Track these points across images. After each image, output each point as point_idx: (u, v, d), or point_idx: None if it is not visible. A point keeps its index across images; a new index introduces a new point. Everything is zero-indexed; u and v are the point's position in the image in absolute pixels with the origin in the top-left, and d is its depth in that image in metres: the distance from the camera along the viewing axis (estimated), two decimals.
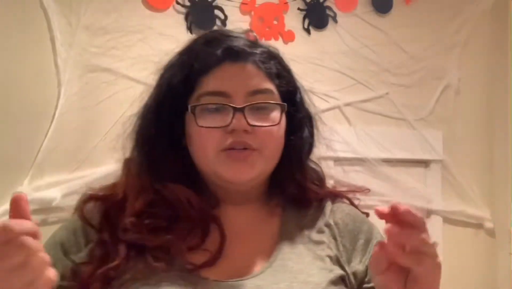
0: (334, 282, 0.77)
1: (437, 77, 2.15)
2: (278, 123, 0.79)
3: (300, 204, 0.87)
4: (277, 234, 0.82)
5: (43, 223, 1.63)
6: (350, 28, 2.05)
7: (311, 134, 0.89)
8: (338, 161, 1.96)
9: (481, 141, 2.21)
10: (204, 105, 0.78)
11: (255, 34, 0.85)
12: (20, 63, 1.66)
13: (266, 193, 0.88)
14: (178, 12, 1.84)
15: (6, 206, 1.60)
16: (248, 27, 1.91)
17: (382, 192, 2.02)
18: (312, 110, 0.90)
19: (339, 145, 1.96)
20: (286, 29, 1.97)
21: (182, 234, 0.76)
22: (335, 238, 0.83)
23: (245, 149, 0.77)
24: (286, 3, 1.97)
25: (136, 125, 0.84)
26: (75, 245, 0.78)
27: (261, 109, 0.78)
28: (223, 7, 1.88)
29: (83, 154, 1.69)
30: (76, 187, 1.66)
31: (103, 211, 0.80)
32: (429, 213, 2.13)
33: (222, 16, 1.87)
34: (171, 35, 1.81)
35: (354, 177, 1.97)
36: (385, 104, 2.08)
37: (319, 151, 0.92)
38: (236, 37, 0.82)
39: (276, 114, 0.80)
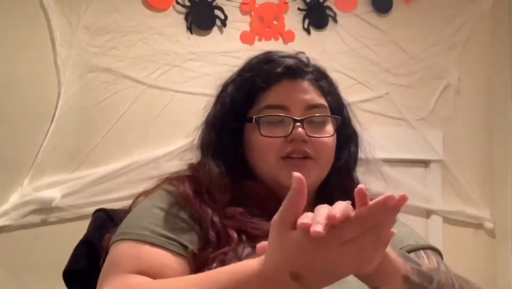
0: None
1: (437, 77, 2.16)
2: (332, 135, 0.89)
3: None
4: None
5: (43, 223, 1.63)
6: (350, 28, 2.05)
7: (357, 150, 1.00)
8: None
9: (481, 142, 2.21)
10: (267, 117, 0.86)
11: (306, 55, 0.94)
12: (20, 63, 1.66)
13: (313, 204, 0.90)
14: (178, 12, 1.84)
15: (6, 206, 1.60)
16: (248, 28, 1.92)
17: (382, 192, 2.02)
18: (358, 128, 1.00)
19: None
20: (286, 29, 1.97)
21: (253, 213, 0.82)
22: None
23: (304, 158, 0.84)
24: (286, 3, 1.97)
25: (206, 134, 0.92)
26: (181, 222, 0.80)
27: (317, 123, 0.87)
28: (223, 7, 1.88)
29: (83, 154, 1.69)
30: (76, 187, 1.66)
31: (195, 192, 0.83)
32: (429, 213, 2.13)
33: (222, 16, 1.87)
34: (171, 35, 1.82)
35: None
36: (385, 104, 2.08)
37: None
38: (292, 57, 0.90)
39: (330, 128, 0.89)
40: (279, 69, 0.87)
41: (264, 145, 0.85)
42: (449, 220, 2.15)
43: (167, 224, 0.77)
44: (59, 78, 1.67)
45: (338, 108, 0.95)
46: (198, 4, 1.85)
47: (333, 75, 2.19)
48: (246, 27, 1.93)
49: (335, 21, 2.03)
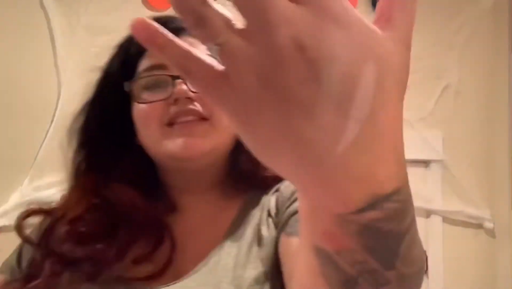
0: (260, 277, 0.66)
1: (437, 77, 2.16)
2: None
3: (260, 189, 0.78)
4: (229, 227, 0.74)
5: None
6: None
7: None
8: None
9: (481, 142, 2.21)
10: (142, 80, 0.71)
11: None
12: (20, 63, 1.66)
13: (226, 181, 0.79)
14: None
15: (6, 206, 1.60)
16: None
17: None
18: None
19: None
20: None
21: (124, 242, 0.68)
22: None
23: (196, 120, 0.68)
24: None
25: (77, 122, 0.77)
26: (17, 265, 0.73)
27: None
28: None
29: None
30: None
31: (45, 226, 0.72)
32: (429, 213, 2.13)
33: None
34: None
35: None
36: None
37: None
38: (171, 16, 0.75)
39: None
40: None
41: (143, 114, 0.71)
42: (449, 220, 2.15)
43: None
44: (59, 78, 1.68)
45: None
46: None
47: None
48: None
49: None
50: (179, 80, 0.68)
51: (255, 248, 0.69)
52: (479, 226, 2.19)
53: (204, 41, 0.29)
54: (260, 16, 0.27)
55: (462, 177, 2.15)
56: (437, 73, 2.15)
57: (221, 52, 0.28)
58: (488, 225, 2.18)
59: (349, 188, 0.29)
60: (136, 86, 0.71)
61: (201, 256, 0.69)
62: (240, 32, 0.28)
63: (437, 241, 2.13)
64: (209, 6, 0.30)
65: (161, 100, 0.69)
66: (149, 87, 0.71)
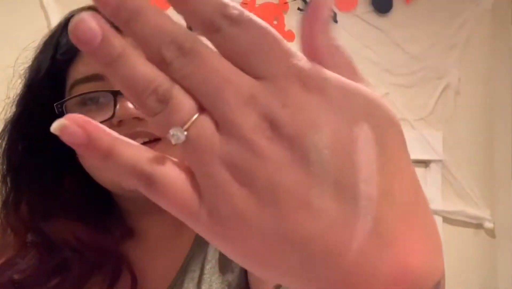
0: None
1: (437, 77, 2.16)
2: None
3: None
4: (190, 247, 0.67)
5: None
6: (350, 28, 2.05)
7: None
8: None
9: (481, 141, 2.21)
10: (71, 99, 0.58)
11: None
12: (20, 64, 1.66)
13: None
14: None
15: None
16: None
17: None
18: None
19: None
20: (286, 29, 1.97)
21: (75, 282, 0.60)
22: None
23: (146, 142, 0.57)
24: (286, 3, 1.97)
25: (0, 148, 0.64)
26: None
27: None
28: None
29: None
30: None
31: None
32: None
33: None
34: None
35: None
36: None
37: None
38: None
39: None
40: None
41: None
42: (449, 220, 2.15)
43: None
44: None
45: None
46: None
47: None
48: None
49: (335, 21, 2.03)
50: (122, 96, 0.56)
51: (220, 270, 0.64)
52: (479, 226, 2.19)
53: (162, 128, 0.22)
54: (214, 97, 0.21)
55: (462, 177, 2.15)
56: (437, 73, 2.15)
57: (186, 143, 0.22)
58: (488, 225, 2.18)
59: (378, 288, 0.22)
60: (69, 105, 0.59)
61: (164, 282, 0.64)
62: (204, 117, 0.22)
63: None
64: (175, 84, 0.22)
65: (102, 122, 0.58)
66: (85, 103, 0.59)
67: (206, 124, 0.22)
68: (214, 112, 0.21)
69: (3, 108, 0.66)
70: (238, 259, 0.23)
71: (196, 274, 0.64)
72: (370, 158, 0.22)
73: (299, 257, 0.22)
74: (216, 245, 0.23)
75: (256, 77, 0.22)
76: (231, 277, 0.63)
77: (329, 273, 0.22)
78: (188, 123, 0.22)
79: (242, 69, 0.22)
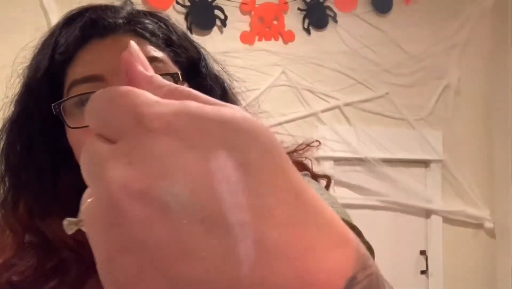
0: None
1: (437, 77, 2.16)
2: None
3: None
4: None
5: None
6: (350, 28, 2.05)
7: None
8: (338, 161, 1.96)
9: (481, 141, 2.21)
10: (69, 100, 0.58)
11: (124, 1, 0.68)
12: (20, 64, 1.66)
13: None
14: (178, 12, 1.84)
15: None
16: (248, 28, 1.92)
17: (382, 192, 2.02)
18: (224, 78, 0.71)
19: (339, 145, 1.96)
20: (286, 29, 1.97)
21: (74, 284, 0.59)
22: None
23: None
24: (286, 3, 1.97)
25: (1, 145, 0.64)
26: None
27: None
28: (223, 7, 1.88)
29: None
30: None
31: None
32: (429, 213, 2.13)
33: (222, 16, 1.87)
34: None
35: (354, 177, 1.97)
36: (385, 104, 2.08)
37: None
38: (94, 8, 0.63)
39: None
40: (77, 30, 0.61)
41: (78, 140, 0.58)
42: (449, 220, 2.15)
43: None
44: None
45: (190, 61, 0.66)
46: (198, 4, 1.85)
47: (333, 75, 2.18)
48: (246, 27, 1.93)
49: (335, 21, 2.03)
50: None
51: None
52: (479, 226, 2.19)
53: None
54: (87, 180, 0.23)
55: (462, 177, 2.15)
56: (437, 73, 2.16)
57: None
58: (488, 225, 2.18)
59: None
60: (66, 105, 0.59)
61: None
62: None
63: (437, 241, 2.13)
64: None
65: None
66: (83, 103, 0.58)
67: (90, 208, 0.22)
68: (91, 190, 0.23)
69: (1, 108, 0.65)
70: None
71: None
72: (233, 185, 0.21)
73: None
74: None
75: (113, 142, 0.22)
76: None
77: None
78: (81, 209, 0.23)
79: (107, 136, 0.22)
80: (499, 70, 2.21)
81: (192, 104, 0.22)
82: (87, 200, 0.23)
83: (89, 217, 0.22)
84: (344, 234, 0.23)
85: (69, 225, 0.24)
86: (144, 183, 0.21)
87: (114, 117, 0.22)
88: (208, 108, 0.22)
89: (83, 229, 0.23)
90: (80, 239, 0.56)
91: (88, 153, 0.23)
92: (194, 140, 0.21)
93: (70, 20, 0.63)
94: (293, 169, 0.23)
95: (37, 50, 0.65)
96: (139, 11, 0.65)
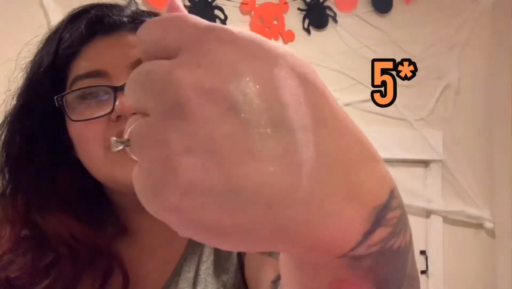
0: None
1: (437, 77, 2.16)
2: None
3: None
4: (186, 247, 0.67)
5: None
6: (350, 28, 2.05)
7: None
8: None
9: (481, 141, 2.21)
10: (73, 93, 0.59)
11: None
12: (20, 64, 1.66)
13: None
14: None
15: None
16: (248, 28, 1.92)
17: None
18: None
19: None
20: (286, 29, 1.97)
21: (67, 281, 0.59)
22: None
23: None
24: (286, 3, 1.97)
25: (0, 138, 0.64)
26: None
27: None
28: (223, 7, 1.88)
29: None
30: None
31: None
32: (429, 213, 2.13)
33: (222, 16, 1.87)
34: None
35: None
36: None
37: None
38: (99, 6, 0.65)
39: None
40: (82, 26, 0.61)
41: (79, 135, 0.59)
42: (449, 220, 2.15)
43: None
44: None
45: None
46: (198, 4, 1.85)
47: (333, 75, 2.19)
48: (246, 27, 1.93)
49: (335, 21, 2.03)
50: (122, 92, 0.56)
51: (215, 270, 0.64)
52: (479, 226, 2.19)
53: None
54: (144, 91, 0.23)
55: (462, 177, 2.15)
56: (437, 73, 2.16)
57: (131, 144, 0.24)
58: (488, 225, 2.18)
59: (344, 216, 0.23)
60: (69, 98, 0.59)
61: (157, 284, 0.63)
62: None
63: (437, 241, 2.13)
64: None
65: (101, 116, 0.57)
66: (85, 97, 0.59)
67: (140, 122, 0.23)
68: (145, 105, 0.23)
69: (4, 101, 0.66)
70: (202, 237, 0.23)
71: (191, 275, 0.63)
72: (295, 94, 0.23)
73: (259, 210, 0.21)
74: (176, 225, 0.23)
75: (174, 56, 0.23)
76: (226, 277, 0.63)
77: (293, 214, 0.22)
78: (128, 130, 0.24)
79: (164, 57, 0.23)
80: (499, 70, 2.21)
81: (252, 32, 0.24)
82: (133, 122, 0.23)
83: (144, 127, 0.22)
84: (379, 156, 0.26)
85: (116, 142, 0.24)
86: (214, 82, 0.22)
87: (180, 31, 0.23)
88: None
89: (128, 149, 0.23)
90: (76, 233, 0.61)
91: (144, 69, 0.23)
92: (260, 53, 0.23)
93: (75, 17, 0.64)
94: (334, 98, 0.25)
95: (41, 45, 0.65)
96: (143, 11, 0.66)
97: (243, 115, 0.21)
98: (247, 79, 0.22)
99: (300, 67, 0.24)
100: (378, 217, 0.24)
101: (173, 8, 0.26)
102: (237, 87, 0.22)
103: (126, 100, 0.24)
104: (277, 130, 0.22)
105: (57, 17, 1.68)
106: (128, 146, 0.23)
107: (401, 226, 0.26)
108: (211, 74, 0.22)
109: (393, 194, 0.25)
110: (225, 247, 0.23)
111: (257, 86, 0.22)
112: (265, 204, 0.21)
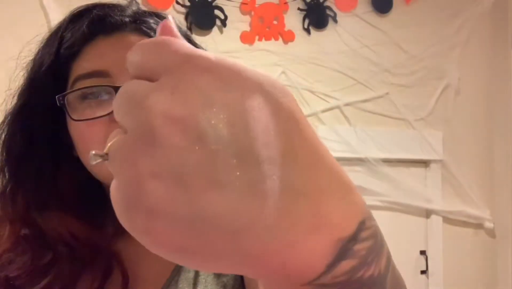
0: None
1: (437, 77, 2.16)
2: None
3: None
4: None
5: None
6: (350, 28, 2.05)
7: None
8: (338, 161, 1.96)
9: (481, 141, 2.21)
10: (74, 93, 0.59)
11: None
12: (19, 64, 1.66)
13: None
14: (178, 12, 1.84)
15: None
16: (248, 28, 1.92)
17: (382, 192, 2.02)
18: None
19: (339, 145, 1.96)
20: (286, 29, 1.97)
21: (66, 281, 0.59)
22: None
23: None
24: (286, 3, 1.97)
25: (1, 138, 0.64)
26: None
27: None
28: (223, 7, 1.88)
29: None
30: None
31: None
32: (429, 213, 2.13)
33: (222, 16, 1.87)
34: None
35: (354, 177, 1.97)
36: (385, 104, 2.08)
37: None
38: (101, 6, 0.64)
39: None
40: (84, 26, 0.61)
41: (80, 133, 0.59)
42: (449, 220, 2.15)
43: None
44: None
45: None
46: (198, 4, 1.85)
47: (333, 75, 2.18)
48: (246, 27, 1.93)
49: (335, 21, 2.03)
50: None
51: (214, 273, 0.63)
52: (479, 226, 2.19)
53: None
54: (124, 112, 0.24)
55: (462, 177, 2.15)
56: (437, 73, 2.16)
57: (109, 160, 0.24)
58: (488, 225, 2.18)
59: (308, 246, 0.23)
60: (70, 98, 0.59)
61: (156, 284, 0.63)
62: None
63: (437, 241, 2.13)
64: None
65: (102, 116, 0.57)
66: (87, 97, 0.59)
67: (118, 139, 0.24)
68: (125, 123, 0.24)
69: (4, 100, 0.66)
70: (170, 257, 0.24)
71: (191, 275, 0.64)
72: (266, 125, 0.23)
73: (222, 236, 0.22)
74: (145, 244, 0.24)
75: (156, 80, 0.24)
76: (226, 278, 0.63)
77: (256, 242, 0.23)
78: (108, 145, 0.24)
79: (148, 78, 0.24)
80: (499, 70, 2.21)
81: (231, 59, 0.24)
82: (115, 136, 0.24)
83: (120, 145, 0.23)
84: (352, 186, 0.26)
85: (94, 156, 0.25)
86: (185, 111, 0.22)
87: (161, 56, 0.24)
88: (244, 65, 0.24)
89: (106, 163, 0.24)
90: (76, 233, 0.61)
91: (127, 89, 0.24)
92: (235, 83, 0.23)
93: (77, 16, 0.64)
94: (312, 128, 0.25)
95: (42, 44, 0.65)
96: (144, 11, 0.66)
97: (210, 145, 0.22)
98: (218, 109, 0.22)
99: (277, 96, 0.24)
100: (343, 249, 0.24)
101: (165, 29, 0.26)
102: (206, 118, 0.22)
103: (114, 114, 0.25)
104: (243, 162, 0.22)
105: (57, 17, 1.68)
106: (107, 160, 0.24)
107: (373, 256, 0.26)
108: (183, 102, 0.22)
109: (363, 225, 0.25)
110: (192, 267, 0.24)
111: (227, 118, 0.22)
112: (228, 231, 0.22)
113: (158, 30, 0.27)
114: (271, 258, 0.23)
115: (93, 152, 0.25)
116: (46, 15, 1.68)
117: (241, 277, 0.63)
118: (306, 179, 0.23)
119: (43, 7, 1.68)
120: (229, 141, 0.22)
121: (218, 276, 0.63)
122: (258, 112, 0.23)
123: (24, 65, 0.66)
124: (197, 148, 0.22)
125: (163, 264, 0.65)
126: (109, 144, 0.24)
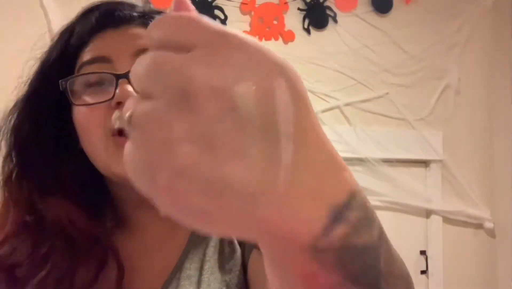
0: None
1: (437, 77, 2.16)
2: None
3: None
4: (186, 244, 0.67)
5: None
6: (350, 28, 2.05)
7: None
8: None
9: (481, 142, 2.21)
10: (79, 80, 0.61)
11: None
12: (19, 64, 1.66)
13: None
14: None
15: None
16: (248, 28, 1.92)
17: (382, 192, 2.02)
18: None
19: (339, 145, 1.96)
20: (286, 29, 1.97)
21: (63, 270, 0.59)
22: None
23: None
24: (286, 3, 1.97)
25: (9, 124, 0.66)
26: None
27: None
28: (223, 7, 1.88)
29: None
30: None
31: None
32: (429, 213, 2.13)
33: (222, 16, 1.87)
34: None
35: (354, 176, 1.97)
36: (385, 104, 2.08)
37: None
38: (112, 3, 0.67)
39: None
40: (94, 18, 0.64)
41: (82, 120, 0.60)
42: (449, 220, 2.15)
43: None
44: None
45: None
46: (198, 4, 1.85)
47: (333, 75, 2.19)
48: (246, 27, 1.93)
49: (335, 21, 2.03)
50: (124, 80, 0.58)
51: (218, 270, 0.64)
52: (479, 226, 2.19)
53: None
54: (153, 81, 0.25)
55: (462, 177, 2.15)
56: (437, 73, 2.16)
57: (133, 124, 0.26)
58: (488, 225, 2.18)
59: (304, 210, 0.27)
60: (74, 83, 0.61)
61: (157, 281, 0.63)
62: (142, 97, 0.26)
63: (437, 241, 2.13)
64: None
65: (102, 102, 0.58)
66: (90, 84, 0.60)
67: (146, 104, 0.25)
68: (152, 89, 0.25)
69: (16, 88, 0.68)
70: (183, 218, 0.26)
71: (194, 273, 0.64)
72: (287, 105, 0.26)
73: (241, 200, 0.25)
74: (163, 204, 0.26)
75: (188, 51, 0.25)
76: (229, 277, 0.63)
77: (269, 206, 0.26)
78: (128, 111, 0.26)
79: (177, 51, 0.26)
80: (499, 70, 2.21)
81: (254, 39, 0.27)
82: (134, 103, 0.26)
83: (149, 109, 0.25)
84: (344, 165, 0.29)
85: (118, 118, 0.26)
86: (221, 82, 0.24)
87: (192, 31, 0.26)
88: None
89: (127, 127, 0.26)
90: (75, 221, 0.62)
91: (155, 57, 0.25)
92: (263, 63, 0.26)
93: (87, 12, 0.67)
94: (313, 110, 0.29)
95: (56, 38, 0.68)
96: (153, 9, 0.69)
97: (241, 117, 0.24)
98: (250, 85, 0.25)
99: (295, 79, 0.27)
100: (336, 215, 0.28)
101: (181, 5, 0.28)
102: (240, 91, 0.24)
103: (133, 81, 0.26)
104: (266, 135, 0.25)
105: (57, 17, 1.68)
106: (129, 123, 0.25)
107: (364, 226, 0.29)
108: (220, 74, 0.24)
109: (353, 197, 0.29)
110: (204, 230, 0.26)
111: (257, 94, 0.25)
112: (246, 196, 0.25)
113: (173, 6, 0.28)
114: (280, 219, 0.26)
115: (118, 113, 0.26)
116: (46, 15, 1.68)
117: (245, 277, 0.64)
118: (311, 155, 0.27)
119: (43, 7, 1.68)
120: (257, 115, 0.25)
121: (222, 274, 0.64)
122: (281, 91, 0.26)
123: (39, 56, 0.69)
124: (229, 117, 0.24)
125: (164, 260, 0.65)
126: (129, 111, 0.26)
